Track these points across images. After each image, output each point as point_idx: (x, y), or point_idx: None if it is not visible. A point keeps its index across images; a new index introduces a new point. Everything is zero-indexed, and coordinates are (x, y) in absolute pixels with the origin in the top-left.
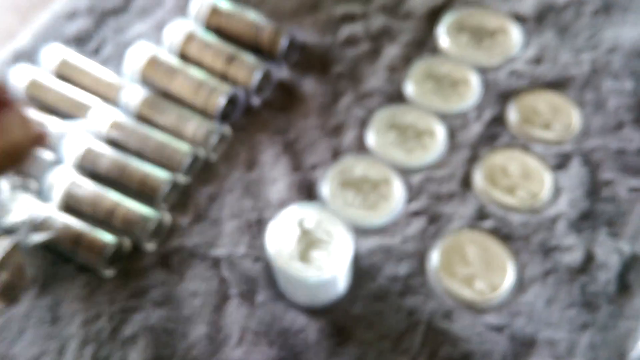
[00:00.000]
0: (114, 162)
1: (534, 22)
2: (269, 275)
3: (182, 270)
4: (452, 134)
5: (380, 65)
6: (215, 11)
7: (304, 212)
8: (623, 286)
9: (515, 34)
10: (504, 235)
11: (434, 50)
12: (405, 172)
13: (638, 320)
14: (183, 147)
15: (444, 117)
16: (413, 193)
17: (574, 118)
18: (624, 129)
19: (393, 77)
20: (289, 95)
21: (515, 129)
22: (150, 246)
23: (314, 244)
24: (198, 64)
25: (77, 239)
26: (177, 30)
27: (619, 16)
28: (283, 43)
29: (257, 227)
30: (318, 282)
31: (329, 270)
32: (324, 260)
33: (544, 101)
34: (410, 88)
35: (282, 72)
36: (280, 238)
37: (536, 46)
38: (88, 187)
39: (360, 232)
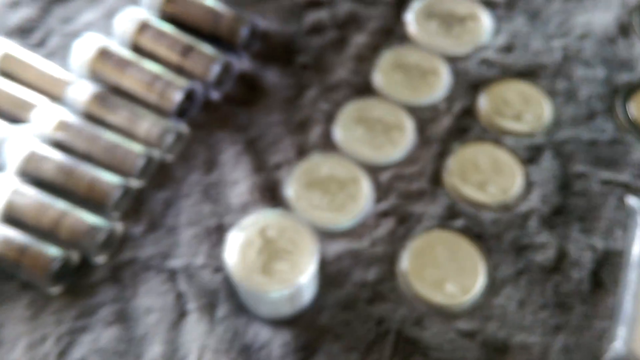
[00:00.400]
0: (60, 167)
1: (504, 8)
2: (230, 287)
3: (136, 285)
4: (421, 128)
5: (347, 54)
6: None
7: (267, 219)
8: (596, 284)
9: (485, 20)
10: (475, 234)
11: (403, 38)
12: (373, 170)
13: (612, 319)
14: (136, 148)
15: (413, 109)
16: (382, 192)
17: (545, 108)
18: (596, 119)
19: (360, 67)
20: (251, 89)
21: (486, 121)
22: (100, 259)
23: (277, 254)
24: (152, 56)
25: (19, 254)
26: (128, 19)
27: (590, 0)
28: (244, 32)
29: (216, 234)
30: (281, 297)
31: (293, 284)
32: (288, 273)
33: (514, 91)
34: (378, 79)
35: (243, 64)
36: (240, 249)
37: (507, 33)
38: (31, 196)
39: (327, 235)
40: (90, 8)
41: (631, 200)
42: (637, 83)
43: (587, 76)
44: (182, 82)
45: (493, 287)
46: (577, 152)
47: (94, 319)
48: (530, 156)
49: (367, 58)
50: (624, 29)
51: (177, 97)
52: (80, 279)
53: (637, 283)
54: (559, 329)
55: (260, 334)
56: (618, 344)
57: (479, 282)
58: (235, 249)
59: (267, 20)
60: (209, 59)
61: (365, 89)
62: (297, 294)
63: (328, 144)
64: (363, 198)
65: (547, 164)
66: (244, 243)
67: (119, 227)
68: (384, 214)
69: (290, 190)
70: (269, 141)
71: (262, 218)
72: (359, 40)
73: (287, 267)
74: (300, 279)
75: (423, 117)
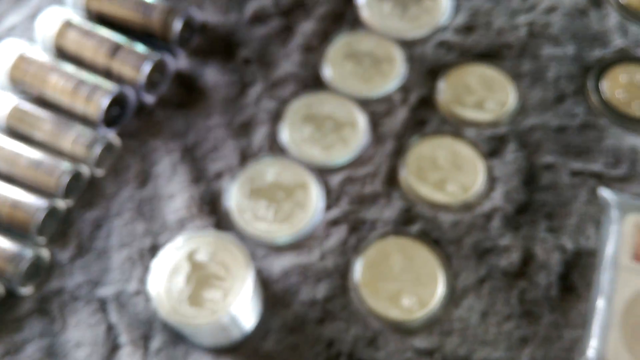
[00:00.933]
0: None
1: None
2: None
3: (64, 317)
4: (375, 123)
5: (294, 45)
6: None
7: (195, 241)
8: (566, 289)
9: None
10: (434, 239)
11: (355, 22)
12: (323, 173)
13: (584, 328)
14: (60, 165)
15: (366, 103)
16: (332, 197)
17: (510, 94)
18: (566, 103)
19: (309, 58)
20: (188, 90)
21: (445, 111)
22: (25, 290)
23: (207, 281)
24: (77, 59)
25: None
26: (50, 20)
27: None
28: (177, 25)
29: (151, 256)
30: (213, 329)
31: (225, 314)
32: (219, 302)
33: (476, 76)
34: (328, 71)
35: (179, 62)
36: (166, 278)
37: (467, 11)
38: None
39: (273, 250)
40: (14, 10)
41: (604, 193)
42: (611, 59)
43: (555, 54)
44: (110, 87)
45: (453, 297)
46: (544, 140)
47: (21, 356)
48: (493, 148)
49: (315, 48)
50: None
51: (103, 103)
52: (5, 313)
53: (611, 285)
54: (526, 342)
55: None
56: (590, 355)
57: (438, 293)
58: (161, 277)
59: (204, 11)
60: (139, 59)
61: (314, 83)
62: (233, 324)
63: (274, 147)
64: (312, 206)
65: (512, 156)
66: (170, 270)
67: (45, 253)
68: (335, 222)
69: (232, 201)
70: (209, 147)
71: (190, 240)
72: (306, 28)
73: (218, 295)
74: (232, 309)
75: (377, 110)
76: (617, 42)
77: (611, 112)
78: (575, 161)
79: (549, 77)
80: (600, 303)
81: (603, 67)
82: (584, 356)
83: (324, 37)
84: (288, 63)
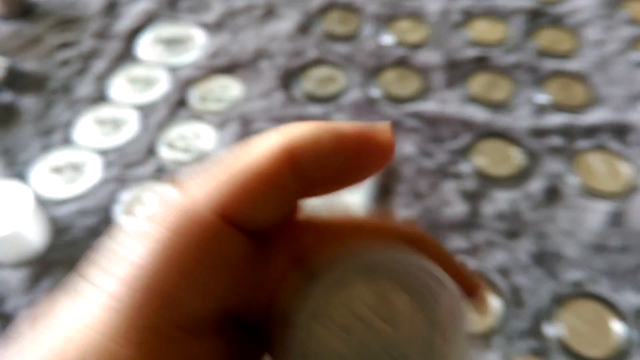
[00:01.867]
0: None
1: (215, 27)
2: None
3: None
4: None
5: (89, 77)
6: None
7: None
8: None
9: (200, 38)
10: None
11: (136, 59)
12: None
13: None
14: None
15: (139, 107)
16: None
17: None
18: (274, 94)
19: (100, 83)
20: (11, 114)
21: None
22: None
23: None
24: None
25: None
26: None
27: (280, 14)
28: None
29: None
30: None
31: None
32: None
33: (216, 84)
34: (112, 89)
35: (6, 96)
36: None
37: (214, 46)
38: None
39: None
40: None
41: None
42: None
43: (270, 65)
44: None
45: None
46: None
47: None
48: None
49: (105, 77)
50: None
51: None
52: None
53: None
54: None
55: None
56: None
57: None
58: None
59: (27, 62)
60: None
61: (102, 99)
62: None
63: (69, 142)
64: None
65: None
66: None
67: None
68: None
69: (35, 176)
70: (20, 146)
71: None
72: (99, 66)
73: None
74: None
75: (146, 113)
76: None
77: None
78: None
79: (265, 78)
80: None
81: None
82: None
83: (111, 70)
84: (83, 89)
